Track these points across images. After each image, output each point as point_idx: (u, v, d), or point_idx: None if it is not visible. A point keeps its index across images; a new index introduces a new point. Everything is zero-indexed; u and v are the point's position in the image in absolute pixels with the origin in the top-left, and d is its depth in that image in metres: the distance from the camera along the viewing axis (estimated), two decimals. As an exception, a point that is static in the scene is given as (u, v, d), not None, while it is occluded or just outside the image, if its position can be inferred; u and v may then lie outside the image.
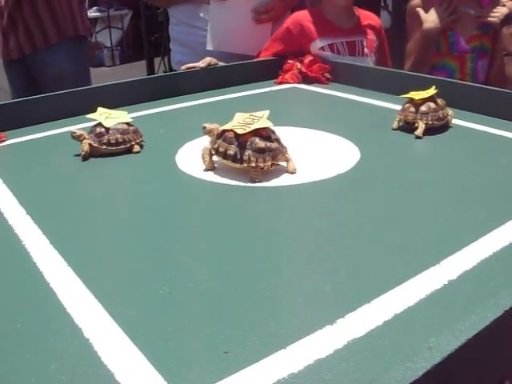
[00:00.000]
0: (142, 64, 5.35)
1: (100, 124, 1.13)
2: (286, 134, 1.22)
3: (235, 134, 0.97)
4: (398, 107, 1.40)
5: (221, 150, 0.97)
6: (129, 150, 1.13)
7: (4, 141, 1.24)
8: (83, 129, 1.15)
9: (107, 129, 1.12)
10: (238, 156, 0.96)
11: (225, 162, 0.98)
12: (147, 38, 4.78)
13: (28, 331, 0.60)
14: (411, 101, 1.22)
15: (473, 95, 1.34)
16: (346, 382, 0.50)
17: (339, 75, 1.67)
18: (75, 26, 2.34)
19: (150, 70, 5.07)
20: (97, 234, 0.82)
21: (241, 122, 0.99)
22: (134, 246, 0.79)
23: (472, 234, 0.76)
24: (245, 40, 1.80)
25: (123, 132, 1.13)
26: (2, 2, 2.25)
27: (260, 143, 0.97)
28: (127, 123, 1.15)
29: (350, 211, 0.87)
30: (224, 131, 0.98)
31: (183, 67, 1.64)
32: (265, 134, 0.98)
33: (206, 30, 1.83)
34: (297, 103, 1.55)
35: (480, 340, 0.46)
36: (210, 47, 1.81)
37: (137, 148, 1.14)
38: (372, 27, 1.82)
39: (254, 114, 1.02)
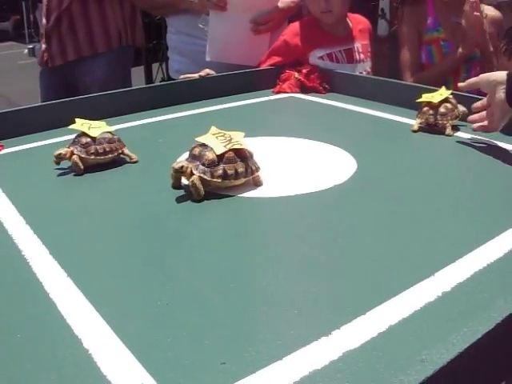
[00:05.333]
0: (140, 70, 5.36)
1: (84, 134, 1.11)
2: (282, 145, 1.24)
3: (235, 151, 0.97)
4: (396, 117, 1.42)
5: (230, 172, 0.95)
6: (114, 160, 1.12)
7: (1, 149, 1.25)
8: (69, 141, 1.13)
9: (93, 138, 1.10)
10: (249, 169, 0.98)
11: (235, 182, 0.97)
12: (146, 45, 4.78)
13: (28, 341, 0.60)
14: (429, 103, 1.29)
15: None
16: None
17: (337, 85, 1.69)
18: (126, 35, 2.28)
19: (148, 76, 5.07)
20: (96, 245, 0.83)
21: (223, 141, 0.98)
22: (133, 257, 0.80)
23: (466, 246, 0.77)
24: (243, 51, 1.81)
25: (109, 141, 1.11)
26: (53, 3, 2.17)
27: (251, 150, 1.00)
28: (110, 132, 1.13)
29: (345, 223, 0.88)
30: (221, 155, 0.96)
31: (181, 77, 1.65)
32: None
33: (204, 39, 1.85)
34: (294, 113, 1.57)
35: (472, 352, 0.47)
36: (209, 58, 1.82)
37: (134, 157, 1.15)
38: (364, 31, 1.85)
39: (212, 132, 1.01)
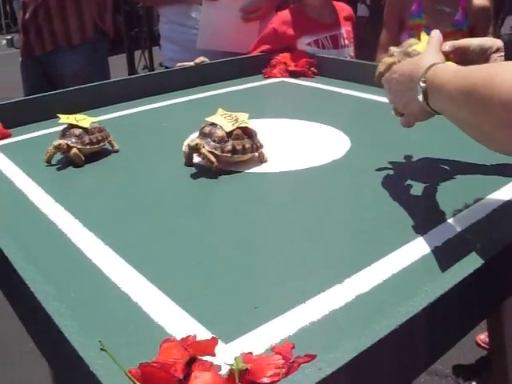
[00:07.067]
0: (122, 57, 5.40)
1: (72, 126, 1.14)
2: (279, 125, 1.34)
3: (242, 129, 1.07)
4: (380, 98, 1.51)
5: (238, 147, 1.06)
6: (100, 151, 1.17)
7: (9, 137, 1.32)
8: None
9: (85, 129, 1.14)
10: (254, 146, 1.08)
11: (243, 157, 1.07)
12: (127, 33, 4.85)
13: (81, 299, 0.70)
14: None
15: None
16: (355, 325, 0.61)
17: (324, 69, 1.78)
18: (102, 26, 2.36)
19: (131, 64, 5.13)
20: (125, 218, 0.93)
21: (230, 120, 1.08)
22: (161, 226, 0.89)
23: (440, 218, 0.87)
24: (234, 38, 1.90)
25: (99, 130, 1.17)
26: None
27: (254, 128, 1.11)
28: (96, 122, 1.18)
29: (344, 193, 0.99)
30: (230, 132, 1.06)
31: (178, 65, 1.74)
32: None
33: (196, 28, 1.93)
34: (286, 96, 1.67)
35: (459, 288, 0.58)
36: (200, 46, 1.90)
37: (116, 146, 1.20)
38: (347, 18, 1.96)
39: (220, 113, 1.11)
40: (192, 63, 1.73)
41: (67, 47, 2.29)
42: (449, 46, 0.92)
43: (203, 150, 1.04)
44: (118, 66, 5.25)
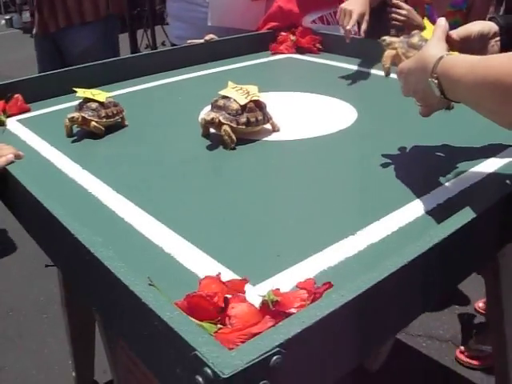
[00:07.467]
0: (123, 37, 5.43)
1: (89, 100, 1.19)
2: (288, 98, 1.41)
3: (254, 102, 1.14)
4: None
5: (252, 120, 1.12)
6: (116, 124, 1.23)
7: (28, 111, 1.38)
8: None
9: (101, 103, 1.19)
10: (265, 117, 1.15)
11: (256, 128, 1.14)
12: (130, 12, 4.88)
13: (119, 252, 0.74)
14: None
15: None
16: (368, 268, 0.69)
17: (329, 45, 1.85)
18: (114, 4, 2.42)
19: (133, 43, 5.15)
20: (151, 181, 1.00)
21: (242, 94, 1.15)
22: (187, 188, 0.98)
23: (438, 180, 0.95)
24: (242, 15, 1.96)
25: (114, 104, 1.22)
26: None
27: (264, 101, 1.17)
28: (111, 97, 1.24)
29: (350, 158, 1.08)
30: (244, 105, 1.12)
31: (188, 41, 1.81)
32: None
33: (203, 6, 1.99)
34: (292, 71, 1.74)
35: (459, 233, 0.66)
36: (210, 23, 1.97)
37: (125, 122, 1.26)
38: None
39: (231, 86, 1.17)
40: (202, 40, 1.79)
41: (80, 24, 2.35)
42: (455, 35, 0.95)
43: (226, 128, 1.09)
44: (120, 45, 5.29)
